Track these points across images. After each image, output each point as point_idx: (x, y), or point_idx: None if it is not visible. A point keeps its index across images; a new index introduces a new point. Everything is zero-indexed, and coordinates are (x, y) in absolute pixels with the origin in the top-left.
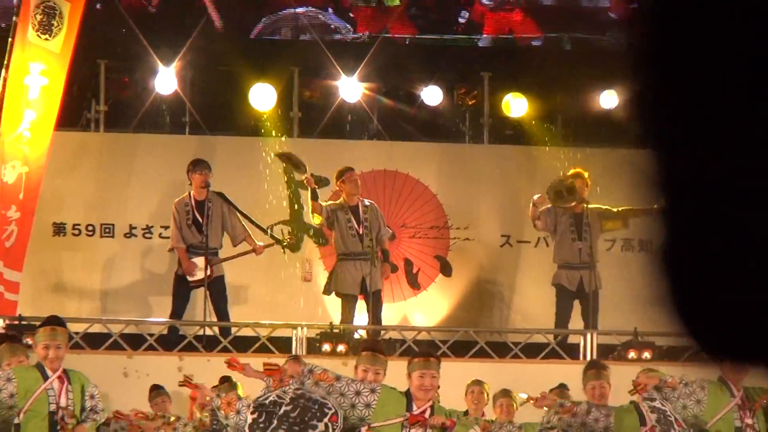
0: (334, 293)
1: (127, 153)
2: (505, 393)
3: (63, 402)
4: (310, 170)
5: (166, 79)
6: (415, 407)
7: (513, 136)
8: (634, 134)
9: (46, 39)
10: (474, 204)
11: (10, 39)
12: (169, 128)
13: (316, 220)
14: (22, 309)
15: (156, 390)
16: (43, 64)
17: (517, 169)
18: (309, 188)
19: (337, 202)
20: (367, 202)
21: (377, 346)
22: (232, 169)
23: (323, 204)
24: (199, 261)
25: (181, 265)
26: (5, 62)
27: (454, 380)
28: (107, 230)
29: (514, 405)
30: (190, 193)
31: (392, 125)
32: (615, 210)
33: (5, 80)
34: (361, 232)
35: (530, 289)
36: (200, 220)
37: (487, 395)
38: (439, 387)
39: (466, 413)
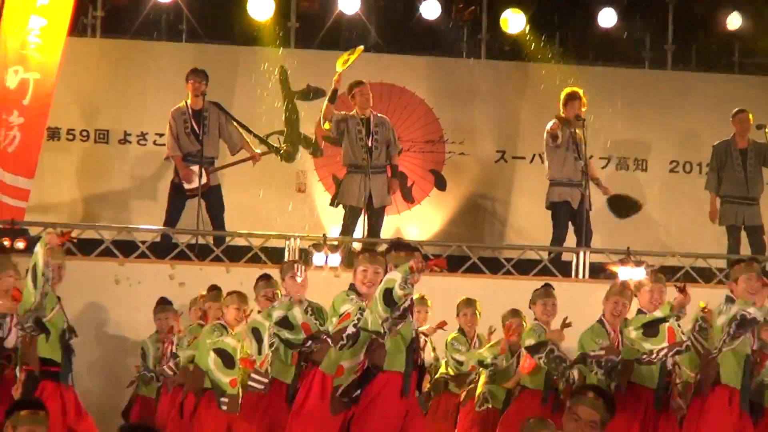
0: (341, 205)
1: (124, 60)
2: (515, 313)
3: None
4: (306, 82)
5: None
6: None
7: (510, 52)
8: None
9: None
10: (470, 119)
11: None
12: (166, 36)
13: (326, 125)
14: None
15: (161, 305)
16: None
17: (513, 85)
18: (333, 88)
19: (350, 113)
20: (381, 116)
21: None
22: (229, 79)
23: (335, 111)
24: (196, 169)
25: (178, 173)
26: None
27: (447, 295)
28: (101, 136)
29: (525, 325)
30: (186, 102)
31: (390, 38)
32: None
33: None
34: (370, 145)
35: (524, 206)
36: (197, 128)
37: (479, 314)
38: None
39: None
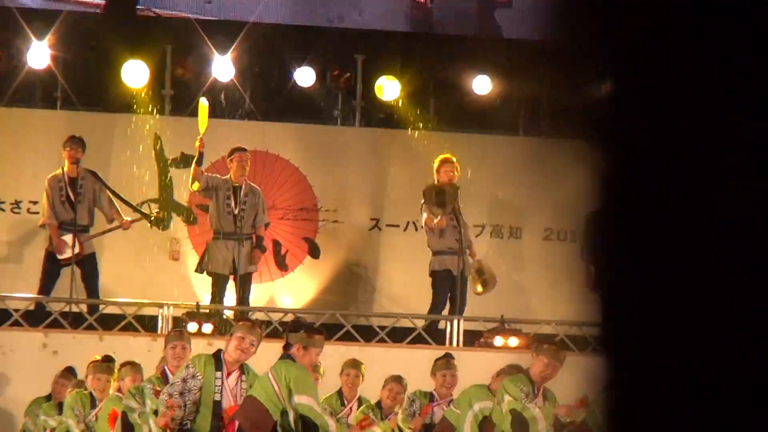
0: (206, 272)
1: None
2: (398, 379)
3: None
4: (180, 149)
5: (38, 54)
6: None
7: (385, 120)
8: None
9: None
10: (344, 187)
11: None
12: (41, 103)
13: (194, 186)
14: None
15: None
16: None
17: (388, 152)
18: (198, 152)
19: (223, 177)
20: (254, 186)
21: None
22: (104, 146)
23: (205, 173)
24: (69, 238)
25: (52, 242)
26: None
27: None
28: None
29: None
30: (63, 170)
31: (265, 106)
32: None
33: None
34: (236, 213)
35: (398, 274)
36: (72, 196)
37: (363, 377)
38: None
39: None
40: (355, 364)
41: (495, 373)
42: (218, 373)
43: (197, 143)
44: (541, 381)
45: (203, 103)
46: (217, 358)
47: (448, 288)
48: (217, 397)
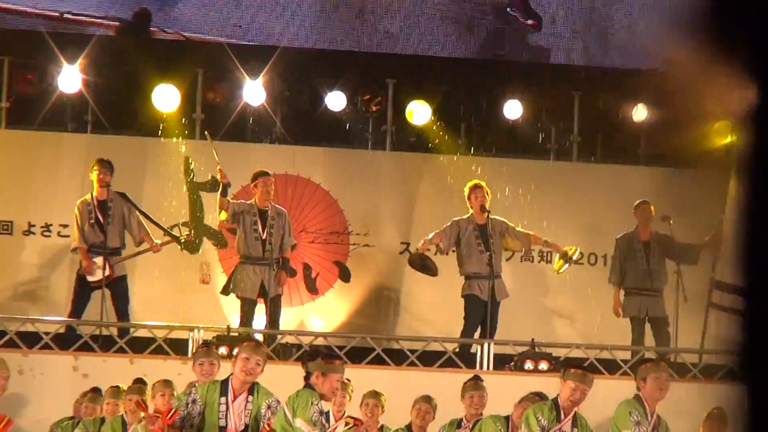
0: (233, 295)
1: (29, 150)
2: (426, 399)
3: None
4: (211, 174)
5: (70, 78)
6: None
7: (416, 144)
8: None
9: None
10: (375, 210)
11: None
12: (71, 127)
13: (222, 215)
14: None
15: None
16: None
17: (418, 176)
18: (220, 183)
19: (248, 202)
20: (279, 208)
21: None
22: (134, 170)
23: (231, 201)
24: (99, 261)
25: (82, 266)
26: None
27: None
28: (5, 227)
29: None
30: (92, 194)
31: (295, 130)
32: (517, 230)
33: None
34: (264, 237)
35: (429, 297)
36: (101, 219)
37: (383, 407)
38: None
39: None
40: (374, 394)
41: (517, 401)
42: (222, 399)
43: (218, 175)
44: (570, 406)
45: (207, 135)
46: (224, 383)
47: (478, 312)
48: (222, 423)
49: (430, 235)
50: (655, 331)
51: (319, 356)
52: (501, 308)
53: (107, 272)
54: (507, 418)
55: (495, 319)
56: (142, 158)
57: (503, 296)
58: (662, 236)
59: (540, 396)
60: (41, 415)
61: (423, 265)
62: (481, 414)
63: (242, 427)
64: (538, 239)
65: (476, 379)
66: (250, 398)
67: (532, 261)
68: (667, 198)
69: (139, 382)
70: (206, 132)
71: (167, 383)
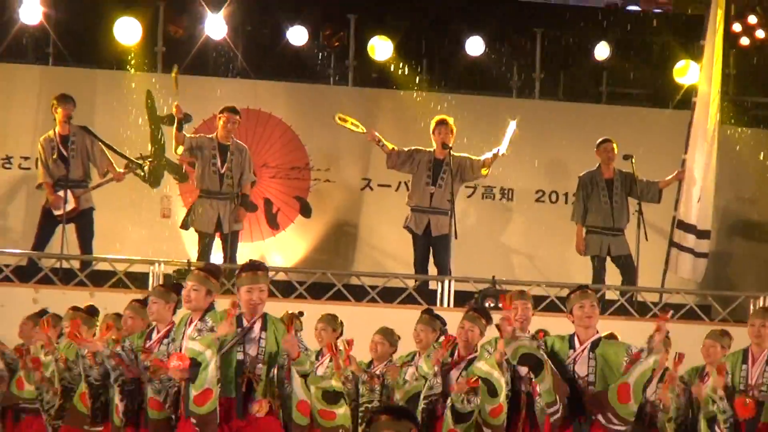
0: (192, 228)
1: None
2: (379, 331)
3: None
4: (172, 107)
5: (31, 9)
6: (244, 322)
7: (378, 80)
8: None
9: None
10: (336, 146)
11: None
12: (33, 59)
13: (178, 150)
14: None
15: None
16: None
17: (380, 112)
18: (176, 118)
19: (208, 136)
20: (240, 144)
21: (255, 263)
22: (95, 103)
23: (187, 135)
24: (63, 194)
25: (48, 200)
26: None
27: (309, 322)
28: None
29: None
30: (54, 129)
31: (257, 64)
32: (476, 159)
33: None
34: (223, 172)
35: (390, 233)
36: (65, 153)
37: (335, 331)
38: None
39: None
40: (322, 319)
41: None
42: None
43: (174, 110)
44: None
45: (174, 69)
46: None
47: (418, 246)
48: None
49: (390, 146)
50: (621, 269)
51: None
52: (463, 245)
53: (72, 205)
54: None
55: (441, 256)
56: (103, 91)
57: (440, 232)
58: (625, 174)
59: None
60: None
61: None
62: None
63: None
64: (486, 160)
65: (582, 287)
66: (200, 324)
67: (494, 198)
68: (629, 136)
69: (91, 312)
70: (174, 67)
71: (119, 317)
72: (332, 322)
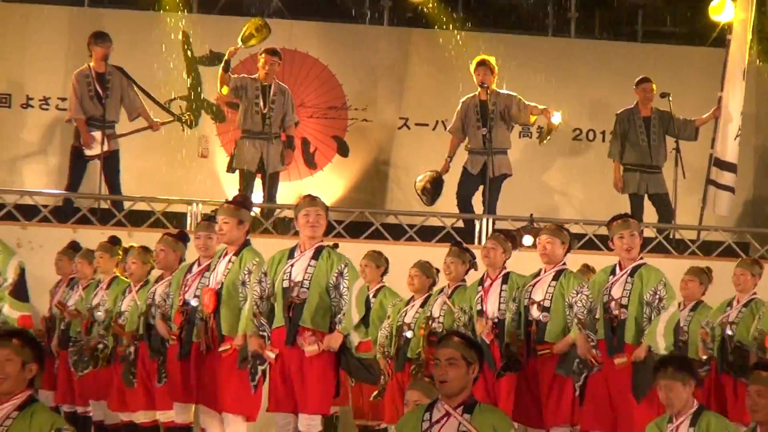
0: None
1: (24, 23)
2: (415, 265)
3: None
4: (209, 47)
5: None
6: (297, 252)
7: (413, 19)
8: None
9: None
10: (373, 86)
11: None
12: (66, 0)
13: (223, 90)
14: None
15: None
16: None
17: (416, 52)
18: (225, 58)
19: (252, 76)
20: (282, 86)
21: (236, 198)
22: (130, 44)
23: (232, 75)
24: (97, 134)
25: (79, 138)
26: None
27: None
28: (3, 100)
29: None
30: (89, 66)
31: (292, 4)
32: (522, 102)
33: None
34: (265, 112)
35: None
36: (101, 92)
37: (380, 268)
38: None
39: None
40: (367, 255)
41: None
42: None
43: (231, 50)
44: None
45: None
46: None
47: (466, 186)
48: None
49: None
50: (657, 207)
51: None
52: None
53: (105, 146)
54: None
55: (493, 195)
56: (137, 32)
57: (500, 172)
58: (662, 113)
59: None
60: (43, 288)
61: (423, 189)
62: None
63: (218, 286)
64: (535, 108)
65: (623, 216)
66: (234, 259)
67: (531, 137)
68: (665, 75)
69: (113, 241)
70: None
71: (145, 250)
72: (377, 259)
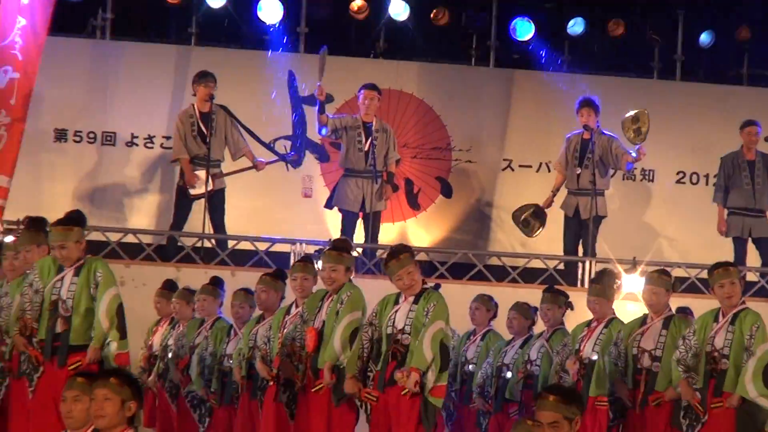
0: (336, 208)
1: (131, 61)
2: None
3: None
4: (313, 86)
5: None
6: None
7: (519, 60)
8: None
9: None
10: (477, 127)
11: None
12: (175, 38)
13: (323, 131)
14: (24, 215)
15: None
16: None
17: (521, 93)
18: (318, 99)
19: (352, 115)
20: (384, 123)
21: (339, 243)
22: (236, 83)
23: (330, 116)
24: (201, 174)
25: (183, 177)
26: None
27: (451, 302)
28: (109, 138)
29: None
30: (193, 105)
31: (398, 44)
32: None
33: None
34: (367, 150)
35: None
36: (204, 131)
37: (491, 310)
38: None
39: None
40: (477, 299)
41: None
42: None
43: (318, 92)
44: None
45: (324, 52)
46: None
47: (568, 228)
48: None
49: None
50: (760, 251)
51: None
52: (604, 226)
53: (210, 186)
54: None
55: (589, 236)
56: (244, 71)
57: (596, 213)
58: (766, 156)
59: (685, 311)
60: (145, 325)
61: (524, 220)
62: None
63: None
64: (630, 156)
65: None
66: (334, 297)
67: (634, 179)
68: None
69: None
70: (324, 50)
71: (246, 295)
72: (487, 303)
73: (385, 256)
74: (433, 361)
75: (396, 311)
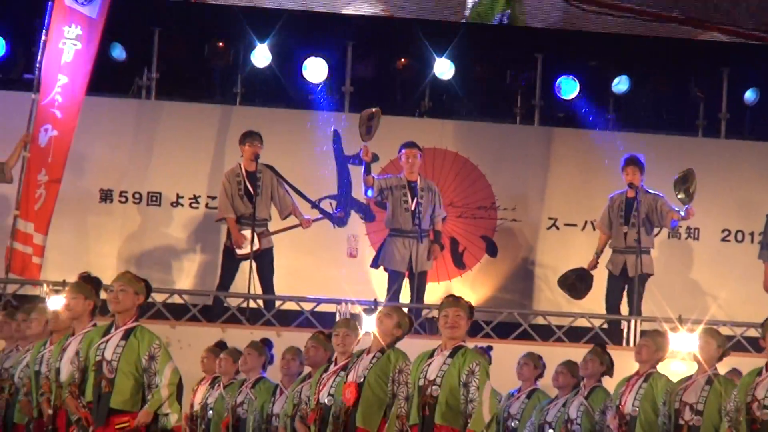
0: (382, 267)
1: (176, 121)
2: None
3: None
4: (359, 147)
5: (219, 50)
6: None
7: (564, 119)
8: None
9: (83, 4)
10: (522, 185)
11: (50, 2)
12: (220, 98)
13: (369, 192)
14: (69, 275)
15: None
16: (78, 28)
17: (566, 152)
18: (364, 161)
19: (397, 175)
20: (429, 182)
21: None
22: (281, 142)
23: (375, 177)
24: (247, 233)
25: (230, 237)
26: (45, 26)
27: (497, 361)
28: (154, 199)
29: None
30: (240, 164)
31: (443, 103)
32: (664, 206)
33: (45, 44)
34: (413, 209)
35: None
36: (251, 190)
37: (538, 368)
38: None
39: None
40: (525, 355)
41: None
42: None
43: (364, 152)
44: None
45: (377, 112)
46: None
47: (612, 287)
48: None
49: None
50: None
51: None
52: (649, 283)
53: (256, 245)
54: None
55: (635, 295)
56: (290, 130)
57: (642, 272)
58: None
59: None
60: (189, 386)
61: (570, 285)
62: None
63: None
64: (676, 214)
65: None
66: (378, 355)
67: (679, 238)
68: None
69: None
70: (377, 110)
71: (297, 351)
72: (535, 360)
73: (430, 315)
74: (489, 424)
75: (429, 364)
